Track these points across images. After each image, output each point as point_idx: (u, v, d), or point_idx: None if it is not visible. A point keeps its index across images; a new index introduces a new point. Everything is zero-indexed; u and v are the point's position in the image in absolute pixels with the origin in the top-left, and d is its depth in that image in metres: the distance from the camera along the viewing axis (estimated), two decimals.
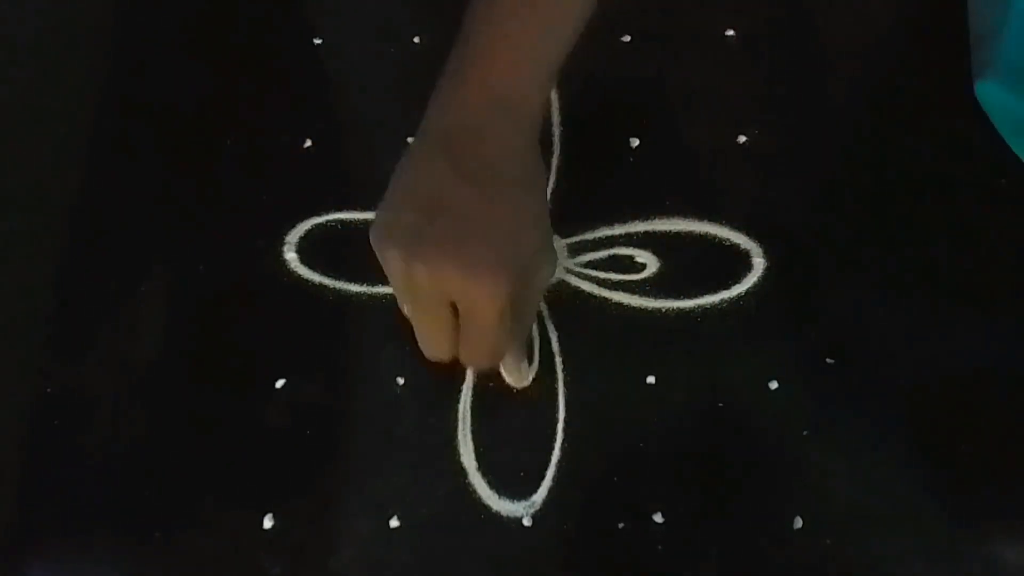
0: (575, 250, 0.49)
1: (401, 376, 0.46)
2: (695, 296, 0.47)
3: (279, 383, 0.46)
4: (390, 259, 0.38)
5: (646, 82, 0.53)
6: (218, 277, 0.48)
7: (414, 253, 0.37)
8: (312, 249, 0.49)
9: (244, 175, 0.51)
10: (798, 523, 0.43)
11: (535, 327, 0.47)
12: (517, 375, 0.45)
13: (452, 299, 0.38)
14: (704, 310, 0.47)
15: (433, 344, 0.40)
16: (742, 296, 0.47)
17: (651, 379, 0.45)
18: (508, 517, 0.43)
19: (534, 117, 0.40)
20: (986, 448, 0.44)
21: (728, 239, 0.49)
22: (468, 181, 0.38)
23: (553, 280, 0.48)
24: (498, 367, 0.45)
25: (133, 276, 0.48)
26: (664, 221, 0.49)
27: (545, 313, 0.47)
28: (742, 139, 0.51)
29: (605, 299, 0.47)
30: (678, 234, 0.49)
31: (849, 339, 0.46)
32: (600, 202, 0.50)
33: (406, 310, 0.41)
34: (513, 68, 0.40)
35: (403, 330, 0.46)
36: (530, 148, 0.40)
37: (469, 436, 0.44)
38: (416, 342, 0.40)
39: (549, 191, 0.50)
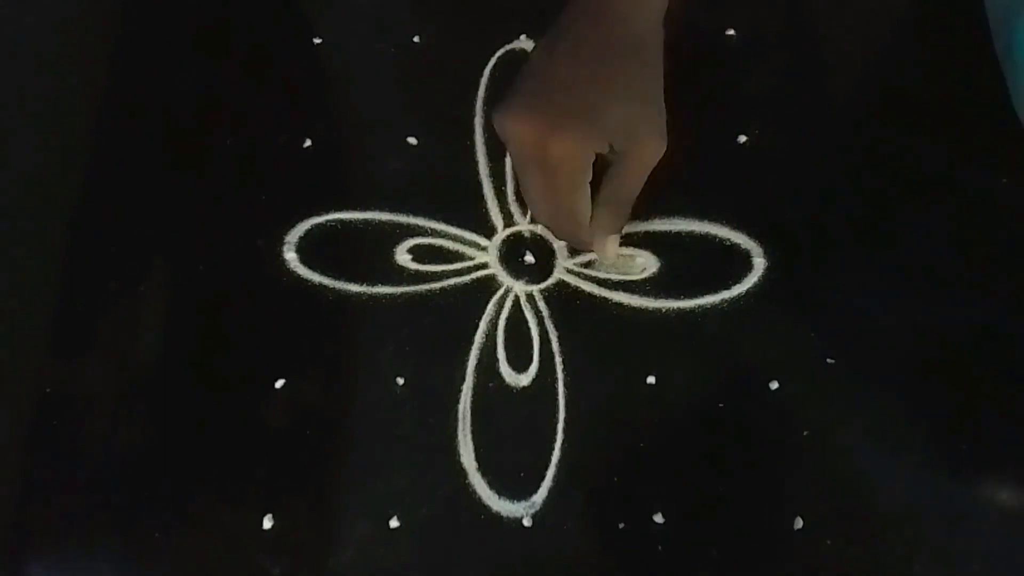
0: (575, 250, 0.49)
1: (401, 376, 0.46)
2: (695, 296, 0.47)
3: (279, 383, 0.46)
4: (497, 126, 0.43)
5: None
6: (218, 277, 0.48)
7: (510, 113, 0.43)
8: (312, 249, 0.49)
9: (244, 175, 0.51)
10: (798, 523, 0.43)
11: (535, 327, 0.47)
12: (603, 248, 0.45)
13: (535, 155, 0.42)
14: (704, 310, 0.47)
15: (530, 203, 0.45)
16: (742, 296, 0.47)
17: (651, 379, 0.45)
18: (508, 517, 0.43)
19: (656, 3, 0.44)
20: (986, 448, 0.44)
21: (728, 239, 0.49)
22: (575, 59, 0.43)
23: (553, 280, 0.48)
24: (581, 235, 0.45)
25: (133, 276, 0.48)
26: (664, 221, 0.49)
27: (545, 313, 0.47)
28: (742, 139, 0.51)
29: (605, 299, 0.47)
30: (678, 234, 0.49)
31: (849, 339, 0.46)
32: None
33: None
34: None
35: (403, 330, 0.46)
36: (650, 30, 0.44)
37: (469, 436, 0.44)
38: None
39: None
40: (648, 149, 0.43)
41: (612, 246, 0.45)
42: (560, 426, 0.45)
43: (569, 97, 0.42)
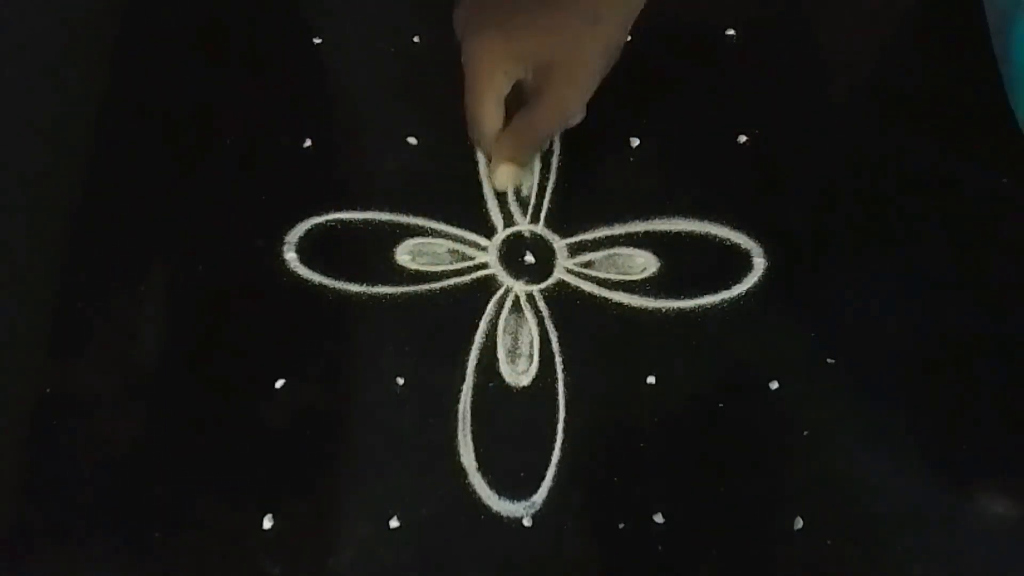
0: (575, 250, 0.49)
1: (401, 376, 0.46)
2: (695, 296, 0.47)
3: (279, 383, 0.46)
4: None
5: (646, 82, 0.53)
6: (218, 277, 0.48)
7: (455, 10, 0.45)
8: (311, 249, 0.49)
9: (244, 175, 0.51)
10: (798, 523, 0.43)
11: (535, 327, 0.47)
12: (494, 173, 0.45)
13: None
14: (704, 310, 0.47)
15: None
16: (742, 296, 0.47)
17: (651, 379, 0.45)
18: (508, 517, 0.43)
19: None
20: (986, 448, 0.44)
21: (728, 239, 0.49)
22: None
23: (553, 280, 0.48)
24: (484, 148, 0.46)
25: (133, 276, 0.48)
26: (664, 221, 0.49)
27: (545, 313, 0.47)
28: (742, 139, 0.51)
29: (605, 299, 0.47)
30: (678, 234, 0.49)
31: (849, 339, 0.46)
32: (600, 202, 0.50)
33: None
34: None
35: (403, 330, 0.46)
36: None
37: (469, 436, 0.44)
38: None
39: (549, 190, 0.50)
40: (561, 96, 0.43)
41: (503, 175, 0.45)
42: (560, 426, 0.45)
43: (499, 11, 0.43)
